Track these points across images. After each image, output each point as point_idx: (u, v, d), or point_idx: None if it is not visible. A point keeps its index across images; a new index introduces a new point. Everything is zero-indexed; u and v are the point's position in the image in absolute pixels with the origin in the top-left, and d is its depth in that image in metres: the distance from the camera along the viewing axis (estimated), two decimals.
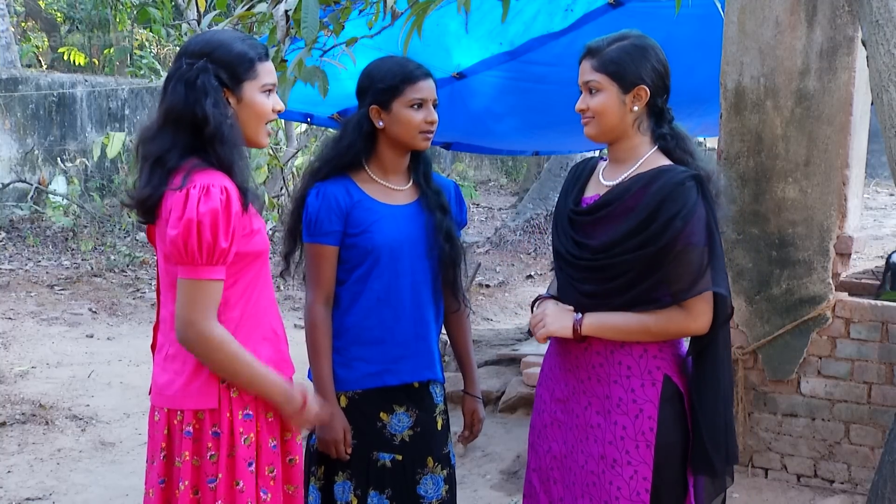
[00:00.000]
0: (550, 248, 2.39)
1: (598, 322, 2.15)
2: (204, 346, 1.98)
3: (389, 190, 2.50)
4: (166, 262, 2.06)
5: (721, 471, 2.20)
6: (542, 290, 2.45)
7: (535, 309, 2.30)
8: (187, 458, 2.03)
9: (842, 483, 3.77)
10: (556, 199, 2.37)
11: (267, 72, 2.10)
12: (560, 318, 2.18)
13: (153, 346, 2.20)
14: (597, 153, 2.36)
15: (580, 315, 2.16)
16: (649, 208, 2.09)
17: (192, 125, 2.01)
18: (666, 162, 2.18)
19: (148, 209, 2.04)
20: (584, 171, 2.33)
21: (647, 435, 2.13)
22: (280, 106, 2.14)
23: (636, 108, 2.17)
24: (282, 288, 7.84)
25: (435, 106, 2.47)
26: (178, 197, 1.96)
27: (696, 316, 2.12)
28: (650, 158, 2.19)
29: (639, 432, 2.13)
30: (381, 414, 2.48)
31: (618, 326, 2.14)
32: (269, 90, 2.12)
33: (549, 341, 2.30)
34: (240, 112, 2.08)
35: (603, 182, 2.24)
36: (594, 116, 2.18)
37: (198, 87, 2.00)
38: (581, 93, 2.22)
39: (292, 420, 2.12)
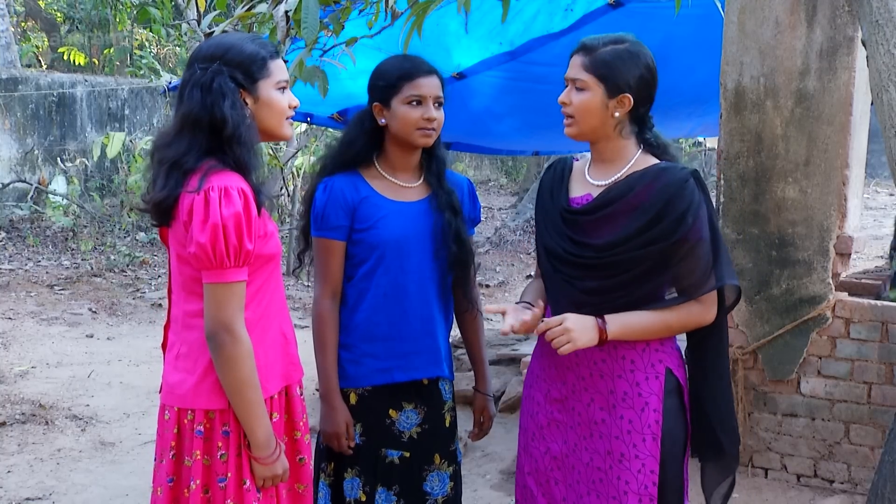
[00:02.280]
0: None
1: (622, 326, 2.13)
2: (232, 349, 1.98)
3: (398, 186, 2.50)
4: (187, 265, 2.05)
5: (731, 451, 2.24)
6: None
7: (537, 320, 2.21)
8: (198, 457, 2.04)
9: (842, 483, 3.77)
10: (539, 200, 2.35)
11: (279, 69, 2.11)
12: (585, 332, 2.10)
13: (164, 345, 2.21)
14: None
15: (603, 321, 2.13)
16: (657, 205, 2.10)
17: (210, 127, 2.01)
18: (656, 161, 2.20)
19: (163, 211, 2.04)
20: (563, 171, 2.33)
21: (653, 428, 2.14)
22: (295, 102, 2.15)
23: (617, 115, 2.17)
24: (287, 286, 7.83)
25: (439, 103, 2.46)
26: (197, 200, 1.96)
27: (710, 307, 2.17)
28: (641, 158, 2.21)
29: (645, 425, 2.14)
30: (390, 411, 2.49)
31: (642, 327, 2.14)
32: (283, 87, 2.12)
33: (538, 342, 2.31)
34: (258, 111, 2.08)
35: (592, 182, 2.24)
36: (574, 116, 2.18)
37: (214, 90, 2.01)
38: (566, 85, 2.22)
39: (258, 465, 2.07)
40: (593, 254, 2.16)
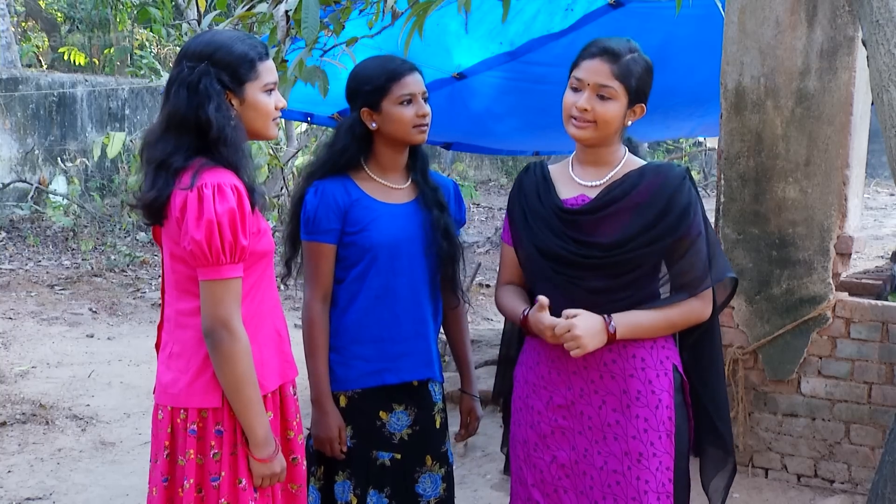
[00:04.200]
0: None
1: (629, 325, 2.14)
2: (230, 345, 1.98)
3: (388, 188, 2.50)
4: (180, 263, 2.05)
5: (730, 443, 2.29)
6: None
7: (545, 323, 2.14)
8: (192, 456, 2.04)
9: (842, 483, 3.77)
10: (522, 203, 2.30)
11: (268, 71, 2.11)
12: (595, 336, 2.09)
13: (157, 345, 2.21)
14: None
15: (610, 320, 2.12)
16: (660, 202, 2.14)
17: (196, 128, 2.01)
18: (643, 161, 2.26)
19: (155, 211, 2.04)
20: (543, 174, 2.31)
21: (667, 425, 2.17)
22: (282, 103, 2.15)
23: (629, 123, 2.21)
24: (281, 287, 7.83)
25: (425, 98, 2.46)
26: (191, 197, 1.96)
27: (709, 303, 2.21)
28: (629, 160, 2.25)
29: (660, 423, 2.16)
30: (381, 413, 2.48)
31: (648, 325, 2.17)
32: (271, 89, 2.12)
33: (526, 352, 2.32)
34: (243, 112, 2.08)
35: (581, 183, 2.24)
36: (596, 122, 2.14)
37: (200, 92, 2.01)
38: (571, 87, 2.19)
39: (256, 464, 2.06)
40: (600, 253, 2.16)
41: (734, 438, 3.80)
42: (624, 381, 2.18)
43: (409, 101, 2.42)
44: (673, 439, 2.17)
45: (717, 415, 2.27)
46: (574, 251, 2.19)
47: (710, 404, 2.26)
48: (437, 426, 2.55)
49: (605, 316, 2.12)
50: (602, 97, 2.13)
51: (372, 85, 2.42)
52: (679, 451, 2.19)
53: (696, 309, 2.19)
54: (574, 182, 2.26)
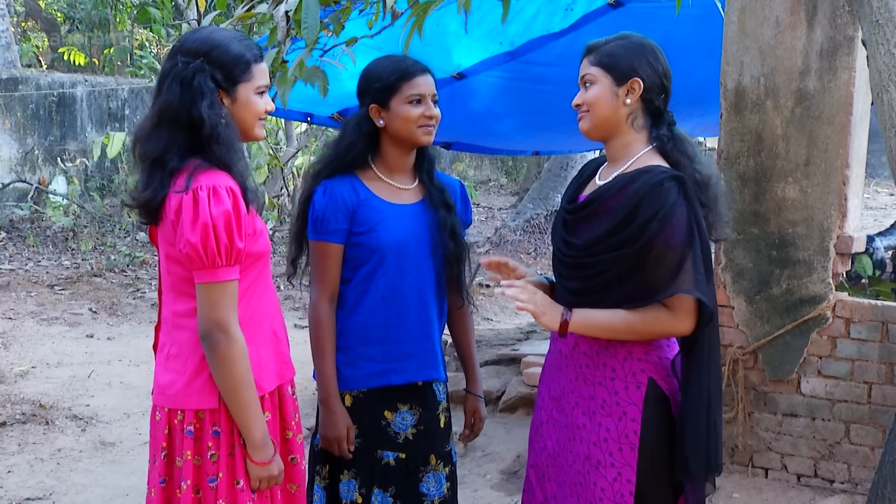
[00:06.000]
0: (551, 247, 2.40)
1: (584, 319, 2.11)
2: (227, 348, 1.98)
3: (396, 189, 2.50)
4: (176, 265, 2.05)
5: (698, 477, 2.14)
6: None
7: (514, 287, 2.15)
8: (189, 457, 2.04)
9: (842, 483, 3.77)
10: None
11: (262, 73, 2.12)
12: (550, 311, 2.11)
13: (155, 346, 2.21)
14: (598, 153, 2.35)
15: (569, 311, 2.12)
16: (626, 209, 2.08)
17: (189, 125, 2.01)
18: (657, 162, 2.16)
19: (151, 211, 2.04)
20: (587, 170, 2.35)
21: (630, 437, 2.12)
22: (271, 106, 2.17)
23: (629, 101, 2.15)
24: (282, 287, 7.84)
25: (435, 101, 2.47)
26: (186, 200, 1.96)
27: (682, 318, 2.09)
28: (642, 158, 2.17)
29: (622, 435, 2.13)
30: (386, 412, 2.49)
31: (603, 325, 2.11)
32: (263, 91, 2.13)
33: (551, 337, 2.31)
34: (234, 111, 2.09)
35: (597, 181, 2.25)
36: (588, 110, 2.19)
37: (194, 88, 2.00)
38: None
39: (254, 466, 2.06)
40: (574, 253, 2.18)
41: (733, 439, 3.85)
42: (593, 387, 2.18)
43: (418, 101, 2.43)
44: (637, 453, 2.11)
45: (690, 444, 2.10)
46: (560, 248, 2.23)
47: (689, 431, 2.11)
48: (442, 426, 2.55)
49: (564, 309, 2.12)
50: (587, 86, 2.20)
51: (382, 82, 2.44)
52: (650, 465, 2.12)
53: (663, 320, 2.08)
54: (595, 179, 2.28)
